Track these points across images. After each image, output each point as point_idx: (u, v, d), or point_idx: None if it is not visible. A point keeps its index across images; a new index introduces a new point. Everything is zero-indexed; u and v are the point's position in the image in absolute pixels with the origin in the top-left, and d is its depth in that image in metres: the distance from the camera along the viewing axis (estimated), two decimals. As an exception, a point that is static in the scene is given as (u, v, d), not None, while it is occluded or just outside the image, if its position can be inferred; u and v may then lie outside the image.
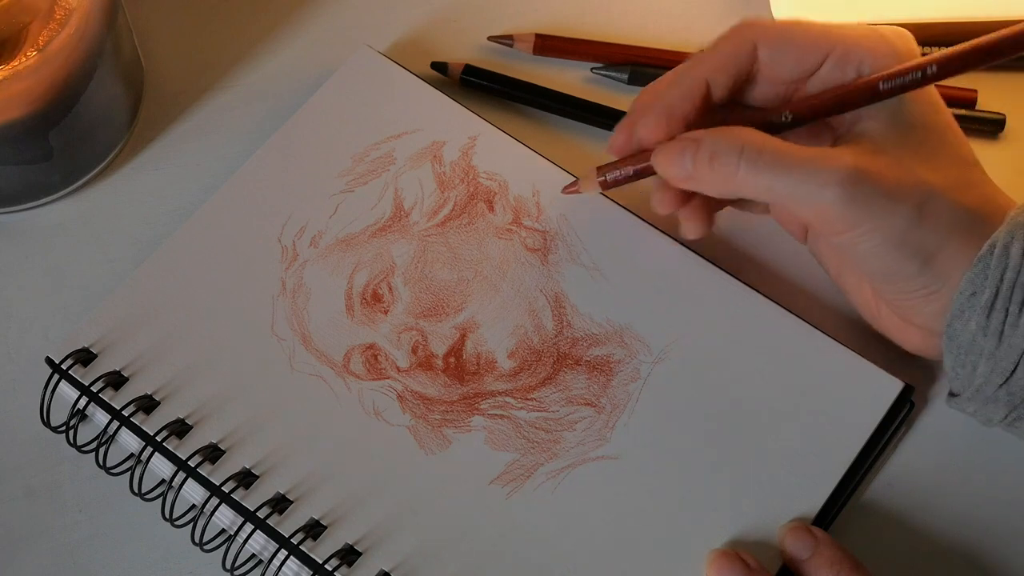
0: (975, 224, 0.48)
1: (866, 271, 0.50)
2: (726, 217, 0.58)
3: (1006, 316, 0.47)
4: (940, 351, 0.50)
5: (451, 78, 0.61)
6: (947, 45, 0.61)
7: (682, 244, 0.55)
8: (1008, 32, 0.48)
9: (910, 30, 0.61)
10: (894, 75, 0.48)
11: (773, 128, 0.50)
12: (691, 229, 0.53)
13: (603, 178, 0.53)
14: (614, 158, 0.53)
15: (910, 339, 0.51)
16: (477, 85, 0.61)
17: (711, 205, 0.53)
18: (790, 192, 0.47)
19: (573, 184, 0.55)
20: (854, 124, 0.50)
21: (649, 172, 0.52)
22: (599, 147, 0.60)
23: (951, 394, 0.51)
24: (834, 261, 0.53)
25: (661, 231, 0.56)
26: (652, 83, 0.53)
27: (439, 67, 0.61)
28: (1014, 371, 0.47)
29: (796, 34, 0.50)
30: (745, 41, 0.50)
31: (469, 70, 0.61)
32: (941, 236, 0.47)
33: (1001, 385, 0.48)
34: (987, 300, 0.47)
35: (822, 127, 0.51)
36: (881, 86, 0.48)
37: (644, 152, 0.52)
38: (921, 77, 0.48)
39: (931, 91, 0.50)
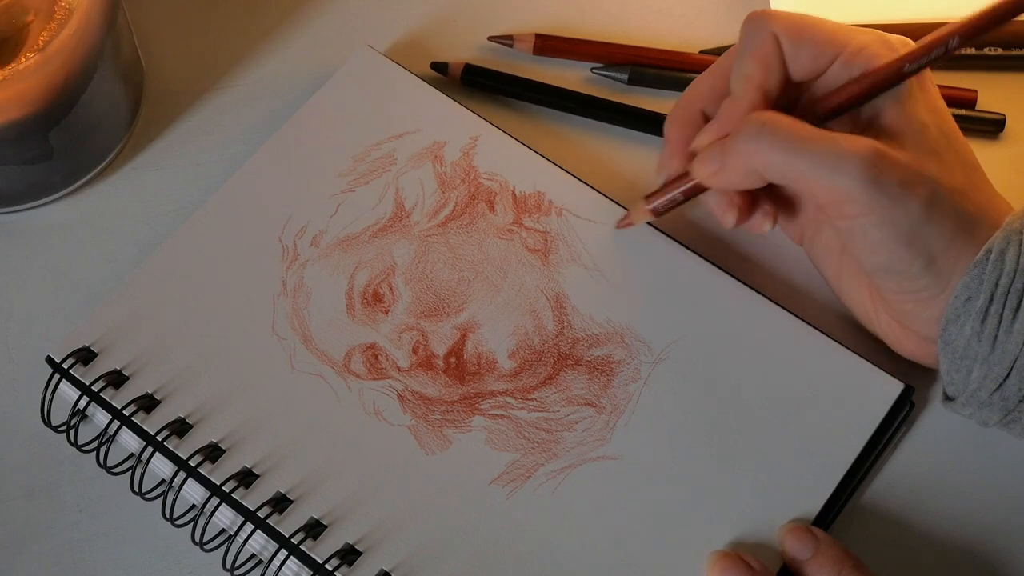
0: (975, 228, 0.48)
1: (872, 264, 0.49)
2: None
3: (1000, 322, 0.47)
4: (935, 357, 0.50)
5: (451, 78, 0.61)
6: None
7: (682, 245, 0.55)
8: None
9: (909, 31, 0.62)
10: (917, 57, 0.48)
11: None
12: (761, 224, 0.52)
13: (653, 206, 0.53)
14: (659, 180, 0.54)
15: (905, 345, 0.52)
16: (478, 84, 0.61)
17: (769, 200, 0.52)
18: (809, 170, 0.47)
19: (625, 218, 0.55)
20: (871, 122, 0.50)
21: (696, 191, 0.52)
22: (600, 145, 0.60)
23: (947, 398, 0.51)
24: (833, 262, 0.53)
25: (661, 231, 0.56)
26: (681, 104, 0.53)
27: (439, 67, 0.61)
28: (1007, 377, 0.48)
29: (812, 30, 0.50)
30: (770, 36, 0.50)
31: (469, 69, 0.61)
32: (945, 238, 0.47)
33: (995, 391, 0.48)
34: (982, 306, 0.47)
35: (841, 124, 0.51)
36: (906, 68, 0.48)
37: (686, 175, 0.52)
38: (944, 51, 0.48)
39: (937, 97, 0.50)
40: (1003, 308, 0.47)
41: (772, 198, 0.52)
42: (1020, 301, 0.47)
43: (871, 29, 0.50)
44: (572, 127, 0.61)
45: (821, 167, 0.47)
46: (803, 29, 0.50)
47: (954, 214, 0.48)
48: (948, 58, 0.48)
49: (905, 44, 0.50)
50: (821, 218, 0.53)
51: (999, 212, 0.49)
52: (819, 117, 0.49)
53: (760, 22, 0.50)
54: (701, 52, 0.62)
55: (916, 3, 0.62)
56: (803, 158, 0.47)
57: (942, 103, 0.50)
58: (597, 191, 0.57)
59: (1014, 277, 0.47)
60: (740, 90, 0.50)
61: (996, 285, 0.47)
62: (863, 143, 0.47)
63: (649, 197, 0.53)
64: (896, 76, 0.48)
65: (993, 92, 0.61)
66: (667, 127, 0.53)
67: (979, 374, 0.48)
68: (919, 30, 0.61)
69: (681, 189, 0.52)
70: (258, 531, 0.49)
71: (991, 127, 0.60)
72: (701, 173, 0.50)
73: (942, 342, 0.49)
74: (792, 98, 0.51)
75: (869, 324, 0.53)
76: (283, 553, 0.49)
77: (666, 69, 0.61)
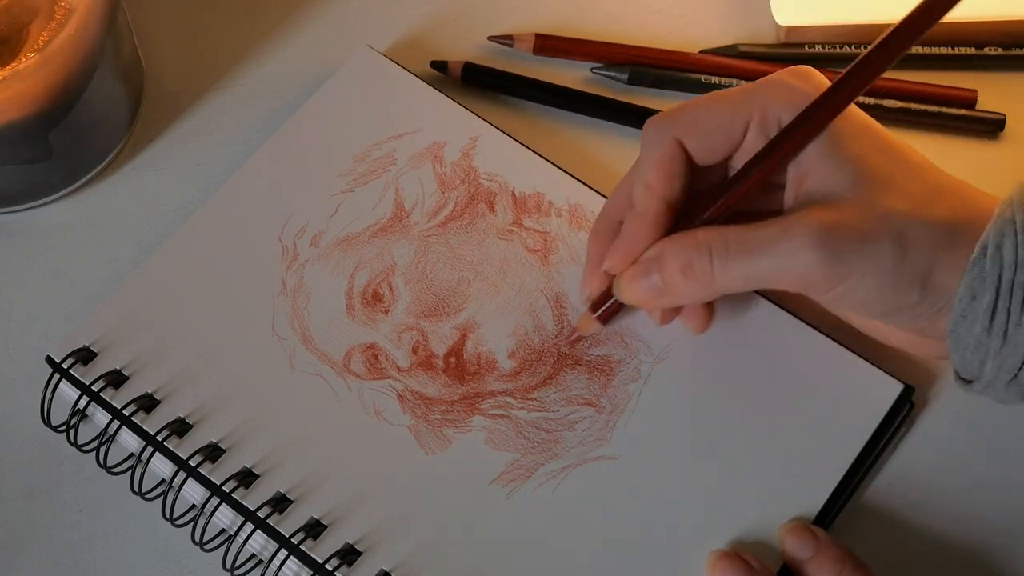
0: (957, 232, 0.47)
1: (871, 315, 0.49)
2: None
3: (1008, 316, 0.46)
4: None
5: (451, 76, 0.61)
6: (949, 46, 0.62)
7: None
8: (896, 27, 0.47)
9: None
10: (806, 125, 0.47)
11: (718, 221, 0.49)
12: (695, 328, 0.52)
13: (598, 315, 0.52)
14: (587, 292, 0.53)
15: (928, 351, 0.51)
16: (478, 82, 0.61)
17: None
18: (769, 272, 0.47)
19: (573, 333, 0.54)
20: (801, 184, 0.49)
21: None
22: (599, 143, 0.60)
23: (963, 380, 0.50)
24: (832, 305, 0.52)
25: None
26: (601, 217, 0.52)
27: (438, 66, 0.61)
28: (1021, 367, 0.47)
29: (710, 116, 0.49)
30: (670, 141, 0.49)
31: (469, 68, 0.61)
32: (928, 257, 0.47)
33: (1010, 380, 0.47)
34: (988, 303, 0.46)
35: (772, 193, 0.50)
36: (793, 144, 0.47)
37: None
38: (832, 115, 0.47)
39: (860, 118, 0.49)
40: (1009, 303, 0.46)
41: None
42: None
43: (770, 76, 0.50)
44: (572, 127, 0.61)
45: (778, 265, 0.47)
46: (700, 118, 0.49)
47: (927, 231, 0.47)
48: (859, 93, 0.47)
49: (802, 76, 0.49)
50: None
51: (975, 205, 0.48)
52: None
53: (657, 127, 0.50)
54: (701, 52, 0.62)
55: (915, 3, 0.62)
56: (759, 265, 0.47)
57: (868, 119, 0.49)
58: (597, 192, 0.57)
59: (1015, 270, 0.46)
60: (641, 202, 0.50)
61: (999, 280, 0.46)
62: (806, 224, 0.46)
63: (594, 305, 0.52)
64: (806, 138, 0.47)
65: (993, 92, 0.61)
66: (588, 242, 0.53)
67: (992, 366, 0.47)
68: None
69: (617, 301, 0.51)
70: (258, 531, 0.49)
71: (991, 127, 0.60)
72: (639, 299, 0.50)
73: (951, 342, 0.48)
74: (711, 181, 0.51)
75: (887, 342, 0.52)
76: (283, 553, 0.49)
77: (666, 69, 0.61)
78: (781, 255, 0.46)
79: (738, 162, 0.50)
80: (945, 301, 0.47)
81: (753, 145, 0.49)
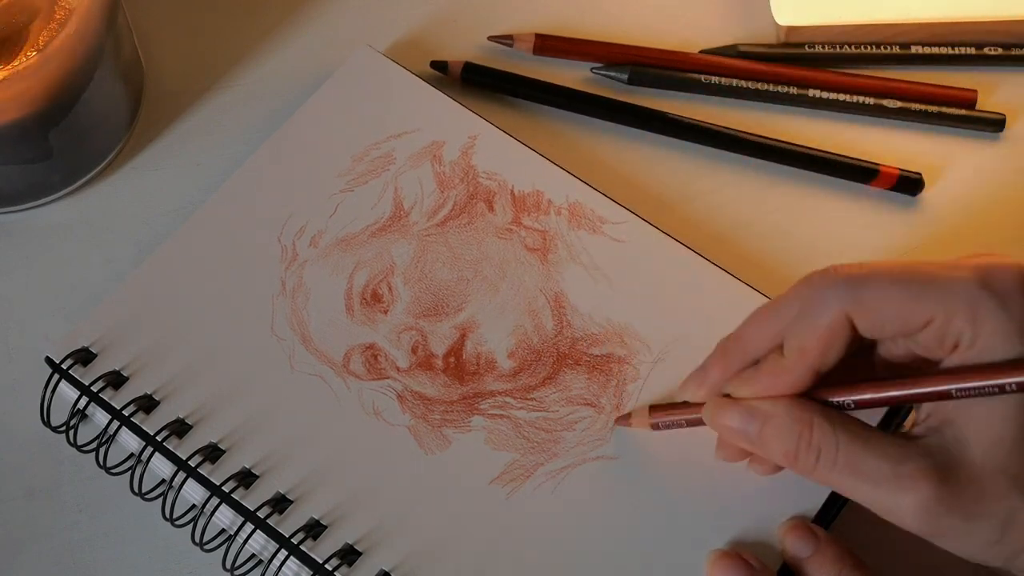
0: None
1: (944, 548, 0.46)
2: (727, 216, 0.59)
3: None
4: None
5: (451, 76, 0.61)
6: (949, 46, 0.62)
7: (682, 244, 0.55)
8: None
9: (910, 30, 0.62)
10: (969, 389, 0.43)
11: (839, 406, 0.46)
12: (762, 471, 0.50)
13: (655, 422, 0.50)
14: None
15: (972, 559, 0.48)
16: (477, 82, 0.61)
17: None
18: (863, 500, 0.45)
19: (625, 417, 0.51)
20: (941, 405, 0.45)
21: (703, 423, 0.49)
22: (599, 144, 0.60)
23: None
24: None
25: (660, 230, 0.56)
26: (734, 338, 0.48)
27: (439, 66, 0.61)
28: None
29: (889, 303, 0.44)
30: (839, 314, 0.44)
31: (469, 67, 0.61)
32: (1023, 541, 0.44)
33: None
34: None
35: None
36: (954, 392, 0.43)
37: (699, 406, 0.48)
38: (998, 391, 0.42)
39: None
40: None
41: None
42: None
43: (970, 266, 0.44)
44: (572, 126, 0.61)
45: (877, 503, 0.45)
46: (878, 302, 0.44)
47: None
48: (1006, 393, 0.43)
49: (1013, 289, 0.43)
50: None
51: None
52: (853, 407, 0.46)
53: (829, 291, 0.45)
54: (701, 52, 0.62)
55: (917, 3, 0.62)
56: (859, 491, 0.45)
57: None
58: (597, 190, 0.57)
59: None
60: (791, 363, 0.46)
61: None
62: (919, 489, 0.43)
63: (655, 410, 0.50)
64: (941, 397, 0.44)
65: (993, 92, 0.61)
66: (714, 352, 0.48)
67: None
68: (918, 30, 0.61)
69: (688, 418, 0.49)
70: (258, 531, 0.49)
71: (991, 127, 0.60)
72: (716, 428, 0.48)
73: None
74: (863, 348, 0.47)
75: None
76: (283, 553, 0.49)
77: (666, 69, 0.61)
78: (883, 498, 0.44)
79: (907, 348, 0.46)
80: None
81: (926, 342, 0.44)
